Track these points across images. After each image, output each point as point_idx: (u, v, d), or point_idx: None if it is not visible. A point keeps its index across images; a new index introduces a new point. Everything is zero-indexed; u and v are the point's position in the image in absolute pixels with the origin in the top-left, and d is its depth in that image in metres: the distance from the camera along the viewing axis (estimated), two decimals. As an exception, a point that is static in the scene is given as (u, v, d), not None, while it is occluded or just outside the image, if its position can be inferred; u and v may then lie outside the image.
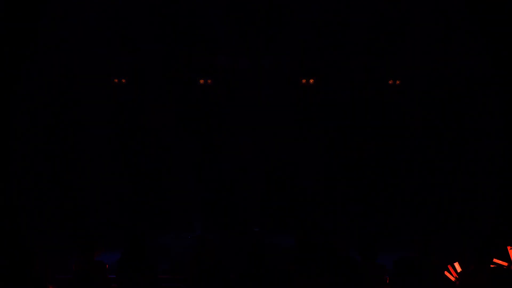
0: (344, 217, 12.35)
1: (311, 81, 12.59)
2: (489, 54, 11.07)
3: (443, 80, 12.19)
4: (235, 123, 12.58)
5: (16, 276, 6.17)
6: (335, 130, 12.58)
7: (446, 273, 7.02)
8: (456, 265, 6.97)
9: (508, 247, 7.04)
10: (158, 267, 7.12)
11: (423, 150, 12.29)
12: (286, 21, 12.45)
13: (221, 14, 12.45)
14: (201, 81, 12.55)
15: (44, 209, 11.70)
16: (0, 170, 10.69)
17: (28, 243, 8.77)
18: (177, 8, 12.35)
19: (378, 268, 6.91)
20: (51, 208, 11.83)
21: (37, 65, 11.68)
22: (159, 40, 12.36)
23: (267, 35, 12.51)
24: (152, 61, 12.42)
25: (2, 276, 6.16)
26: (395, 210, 12.32)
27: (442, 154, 12.18)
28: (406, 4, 12.27)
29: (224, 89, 12.65)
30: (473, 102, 11.94)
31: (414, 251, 7.09)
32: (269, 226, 12.38)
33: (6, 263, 6.37)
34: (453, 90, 12.16)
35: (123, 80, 12.43)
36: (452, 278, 6.96)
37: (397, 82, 12.50)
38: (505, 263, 6.93)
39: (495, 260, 6.90)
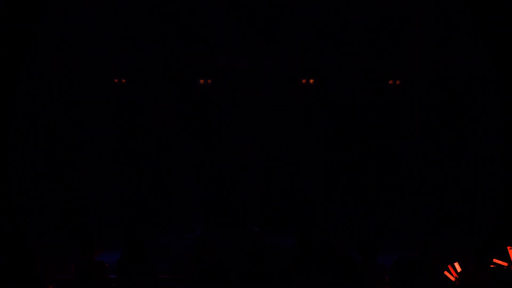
0: (344, 217, 12.35)
1: (311, 81, 12.59)
2: (489, 54, 11.07)
3: (443, 80, 12.19)
4: (235, 123, 12.58)
5: (16, 276, 6.17)
6: (335, 130, 12.58)
7: (446, 273, 7.02)
8: (456, 265, 6.97)
9: (508, 247, 7.04)
10: (158, 267, 7.11)
11: (423, 150, 12.29)
12: (286, 21, 12.45)
13: (221, 14, 12.45)
14: (201, 81, 12.55)
15: (44, 209, 11.71)
16: (0, 170, 10.69)
17: (28, 243, 8.77)
18: (177, 8, 12.35)
19: (378, 268, 6.91)
20: (51, 208, 11.83)
21: (37, 65, 11.68)
22: (159, 40, 12.36)
23: (267, 35, 12.51)
24: (152, 61, 12.42)
25: (2, 276, 6.16)
26: (395, 210, 12.32)
27: (442, 154, 12.18)
28: (406, 4, 12.27)
29: (224, 89, 12.65)
30: (473, 102, 11.94)
31: (414, 251, 7.09)
32: (269, 226, 12.38)
33: (6, 263, 6.37)
34: (453, 90, 12.16)
35: (123, 80, 12.43)
36: (452, 278, 6.96)
37: (397, 82, 12.50)
38: (505, 263, 6.93)
39: (495, 260, 6.90)
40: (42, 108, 11.88)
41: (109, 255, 7.72)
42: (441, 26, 12.07)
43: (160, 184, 12.52)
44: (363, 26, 12.37)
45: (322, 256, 6.50)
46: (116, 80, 12.43)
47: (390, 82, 12.52)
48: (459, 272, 6.91)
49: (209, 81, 12.56)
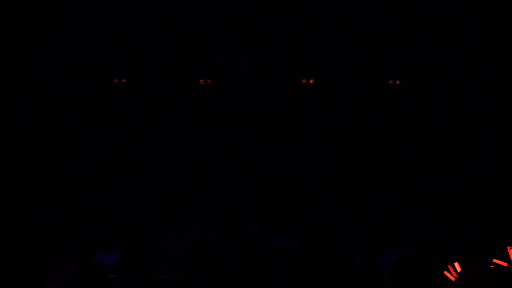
0: (344, 217, 12.35)
1: (311, 81, 12.59)
2: (489, 54, 11.07)
3: (443, 80, 12.19)
4: (235, 123, 12.58)
5: (16, 276, 6.16)
6: (335, 130, 12.58)
7: (446, 273, 7.02)
8: (456, 265, 6.97)
9: (508, 247, 7.04)
10: (158, 267, 7.11)
11: (423, 150, 12.29)
12: (286, 21, 12.45)
13: (221, 14, 12.45)
14: (201, 81, 12.55)
15: (44, 209, 11.71)
16: (0, 170, 10.69)
17: (28, 243, 8.77)
18: (177, 8, 12.35)
19: (378, 268, 6.90)
20: (51, 208, 11.83)
21: (37, 65, 11.69)
22: (159, 40, 12.36)
23: (267, 35, 12.51)
24: (152, 61, 12.42)
25: (2, 276, 6.16)
26: (395, 210, 12.32)
27: (442, 154, 12.18)
28: (406, 4, 12.27)
29: (224, 89, 12.65)
30: (473, 102, 11.94)
31: (414, 251, 7.09)
32: (269, 226, 12.38)
33: (6, 263, 6.37)
34: (453, 90, 12.16)
35: (123, 80, 12.43)
36: (452, 278, 6.96)
37: (397, 82, 12.50)
38: (505, 263, 6.93)
39: (495, 260, 6.90)
40: (42, 108, 11.89)
41: (109, 255, 7.72)
42: (441, 26, 12.07)
43: (160, 184, 12.52)
44: (363, 26, 12.37)
45: (322, 256, 6.50)
46: (116, 80, 12.43)
47: (390, 82, 12.52)
48: (459, 272, 6.91)
49: (209, 81, 12.56)
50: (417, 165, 12.29)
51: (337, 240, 7.49)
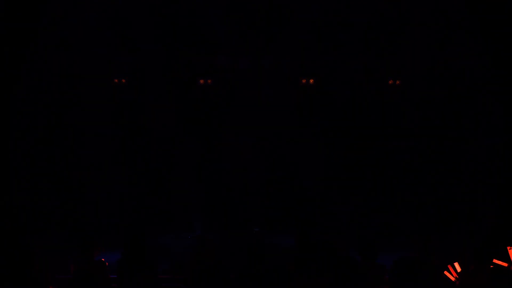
0: (344, 217, 12.35)
1: (311, 81, 12.59)
2: (489, 54, 11.07)
3: (443, 80, 12.19)
4: (235, 123, 12.58)
5: (16, 276, 6.16)
6: (335, 130, 12.58)
7: (446, 273, 7.02)
8: (456, 265, 6.97)
9: (508, 247, 7.04)
10: (158, 267, 7.11)
11: (423, 150, 12.29)
12: (286, 21, 12.45)
13: (221, 14, 12.45)
14: (201, 81, 12.56)
15: (44, 209, 11.71)
16: (0, 170, 10.69)
17: (28, 243, 8.77)
18: (177, 8, 12.35)
19: (378, 268, 6.90)
20: (51, 208, 11.83)
21: (37, 65, 11.69)
22: (159, 40, 12.36)
23: (267, 35, 12.51)
24: (152, 61, 12.43)
25: (2, 276, 6.16)
26: (395, 210, 12.32)
27: (442, 154, 12.18)
28: (406, 4, 12.28)
29: (224, 89, 12.65)
30: (473, 102, 11.94)
31: (414, 251, 7.09)
32: (269, 226, 12.38)
33: (6, 263, 6.37)
34: (453, 90, 12.16)
35: (123, 80, 12.44)
36: (452, 278, 6.96)
37: (397, 82, 12.50)
38: (505, 263, 6.93)
39: (495, 260, 6.90)
40: (42, 108, 11.89)
41: (109, 255, 7.72)
42: (441, 26, 12.07)
43: (160, 184, 12.52)
44: (363, 26, 12.37)
45: (322, 256, 6.49)
46: (116, 80, 12.43)
47: (390, 82, 12.52)
48: (459, 272, 6.91)
49: (209, 81, 12.56)
50: (417, 165, 12.29)
51: (337, 240, 7.49)
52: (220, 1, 12.43)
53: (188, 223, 12.45)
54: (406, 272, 6.08)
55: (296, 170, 12.66)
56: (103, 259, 7.20)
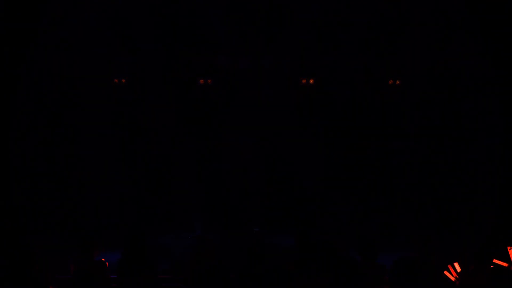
0: (344, 217, 12.35)
1: (311, 81, 12.59)
2: (489, 54, 11.07)
3: (443, 80, 12.19)
4: (235, 123, 12.58)
5: (16, 276, 6.17)
6: (335, 130, 12.58)
7: (446, 273, 7.02)
8: (456, 265, 6.97)
9: (508, 247, 7.04)
10: (158, 267, 7.11)
11: (423, 150, 12.29)
12: (286, 21, 12.45)
13: (221, 14, 12.45)
14: (201, 81, 12.56)
15: (44, 209, 11.71)
16: (0, 170, 10.69)
17: (28, 243, 8.77)
18: (177, 8, 12.35)
19: (378, 268, 6.90)
20: (51, 208, 11.83)
21: (37, 65, 11.69)
22: (159, 40, 12.36)
23: (267, 35, 12.51)
24: (152, 61, 12.43)
25: (2, 276, 6.16)
26: (395, 210, 12.32)
27: (442, 154, 12.18)
28: (406, 4, 12.27)
29: (224, 89, 12.65)
30: (473, 102, 11.94)
31: (414, 251, 7.09)
32: (269, 226, 12.37)
33: (6, 263, 6.37)
34: (453, 90, 12.16)
35: (123, 80, 12.44)
36: (452, 278, 6.96)
37: (397, 82, 12.50)
38: (505, 263, 6.93)
39: (495, 260, 6.90)
40: (42, 108, 11.89)
41: (109, 255, 7.72)
42: (441, 26, 12.07)
43: (160, 184, 12.52)
44: (363, 26, 12.37)
45: (322, 256, 6.49)
46: (116, 80, 12.43)
47: (390, 82, 12.52)
48: (459, 272, 6.91)
49: (209, 81, 12.56)
50: (417, 165, 12.29)
51: (337, 240, 7.49)
52: (220, 1, 12.43)
53: (188, 223, 12.45)
54: (406, 272, 6.08)
55: (296, 170, 12.66)
56: (103, 259, 7.20)
